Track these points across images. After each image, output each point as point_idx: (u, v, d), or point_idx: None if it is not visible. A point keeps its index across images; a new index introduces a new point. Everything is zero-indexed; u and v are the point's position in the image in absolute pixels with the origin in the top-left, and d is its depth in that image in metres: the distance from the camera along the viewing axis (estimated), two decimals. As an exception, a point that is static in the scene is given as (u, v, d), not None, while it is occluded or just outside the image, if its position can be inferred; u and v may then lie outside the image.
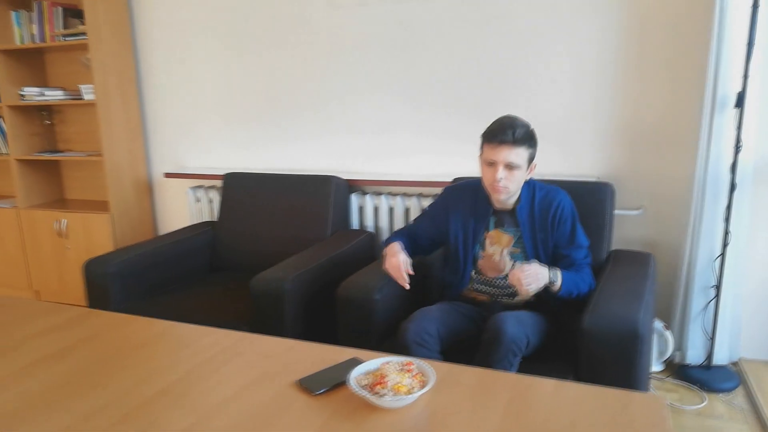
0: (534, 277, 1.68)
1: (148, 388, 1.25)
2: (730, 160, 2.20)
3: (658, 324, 2.40)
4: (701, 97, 2.26)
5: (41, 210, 3.28)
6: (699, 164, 2.27)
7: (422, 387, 1.14)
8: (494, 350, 1.60)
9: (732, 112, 2.19)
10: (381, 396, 1.10)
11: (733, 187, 2.19)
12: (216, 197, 3.11)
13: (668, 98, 2.40)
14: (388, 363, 1.20)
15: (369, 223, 2.88)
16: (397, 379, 1.13)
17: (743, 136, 2.18)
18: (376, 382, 1.14)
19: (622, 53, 2.42)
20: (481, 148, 1.81)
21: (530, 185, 1.88)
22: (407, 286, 1.83)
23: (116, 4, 3.13)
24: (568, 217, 1.87)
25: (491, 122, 1.80)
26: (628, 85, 2.44)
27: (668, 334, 2.38)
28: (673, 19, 2.33)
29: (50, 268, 3.33)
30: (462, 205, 1.92)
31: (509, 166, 1.73)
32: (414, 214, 2.78)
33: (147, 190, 3.41)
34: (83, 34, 3.04)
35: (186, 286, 2.55)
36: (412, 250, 1.95)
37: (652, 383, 2.35)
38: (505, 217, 1.88)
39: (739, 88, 2.14)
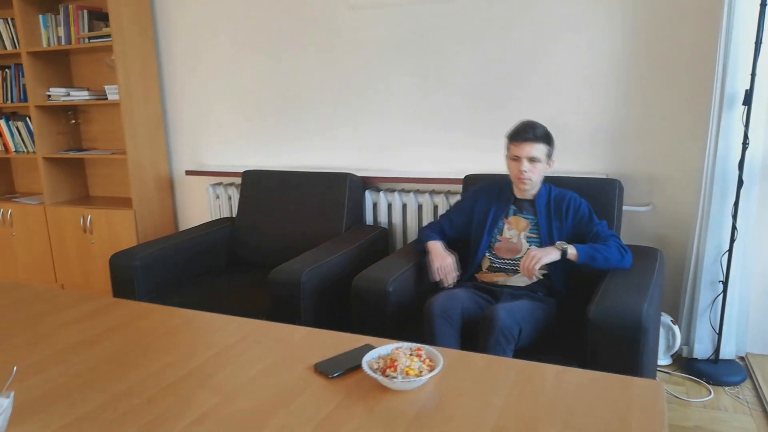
0: (531, 258, 1.91)
1: (174, 371, 1.33)
2: (738, 157, 2.23)
3: (666, 318, 2.44)
4: (709, 94, 2.29)
5: (67, 206, 3.41)
6: (707, 161, 2.31)
7: (431, 371, 1.21)
8: (488, 337, 1.74)
9: (740, 110, 2.22)
10: (392, 378, 1.18)
11: (740, 183, 2.22)
12: (235, 194, 3.20)
13: (677, 95, 2.44)
14: (399, 348, 1.27)
15: (383, 219, 2.95)
16: (407, 362, 1.20)
17: (751, 134, 2.22)
18: (388, 365, 1.21)
19: (632, 52, 2.46)
20: (507, 147, 2.11)
21: (547, 186, 2.14)
22: (451, 285, 2.08)
23: (140, 6, 3.24)
24: (582, 204, 2.09)
25: (514, 125, 2.10)
26: (638, 82, 2.48)
27: (676, 329, 2.42)
28: (681, 16, 2.37)
29: (75, 263, 3.46)
30: (487, 196, 2.19)
31: (532, 160, 2.03)
32: (426, 211, 2.85)
33: (168, 187, 3.52)
34: (107, 36, 3.15)
35: (206, 280, 2.65)
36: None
37: (660, 376, 2.39)
38: (524, 205, 2.13)
39: (747, 86, 2.17)
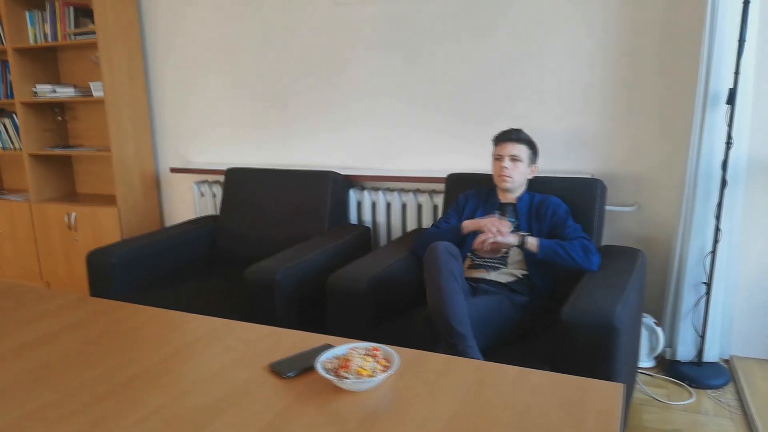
0: (489, 233, 1.95)
1: (129, 369, 1.31)
2: (722, 157, 2.19)
3: (649, 320, 2.40)
4: (694, 93, 2.26)
5: (52, 203, 3.39)
6: (690, 161, 2.27)
7: (385, 371, 1.18)
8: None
9: (724, 109, 2.19)
10: (344, 379, 1.15)
11: (724, 184, 2.19)
12: (220, 192, 3.18)
13: (662, 95, 2.40)
14: (355, 348, 1.24)
15: (367, 218, 2.92)
16: (360, 363, 1.18)
17: (735, 133, 2.18)
18: (341, 365, 1.18)
19: (616, 51, 2.43)
20: (493, 150, 2.19)
21: (531, 193, 2.19)
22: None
23: (126, 3, 3.22)
24: (561, 208, 2.12)
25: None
26: (623, 82, 2.45)
27: (659, 330, 2.38)
28: (665, 16, 2.34)
29: (60, 260, 3.44)
30: (475, 199, 2.26)
31: (513, 159, 2.11)
32: (410, 210, 2.82)
33: (154, 184, 3.50)
34: (93, 32, 3.13)
35: (187, 278, 2.63)
36: None
37: (643, 379, 2.36)
38: (508, 208, 2.18)
39: (730, 85, 2.14)
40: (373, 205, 2.93)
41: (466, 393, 1.17)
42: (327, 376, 1.16)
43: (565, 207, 2.13)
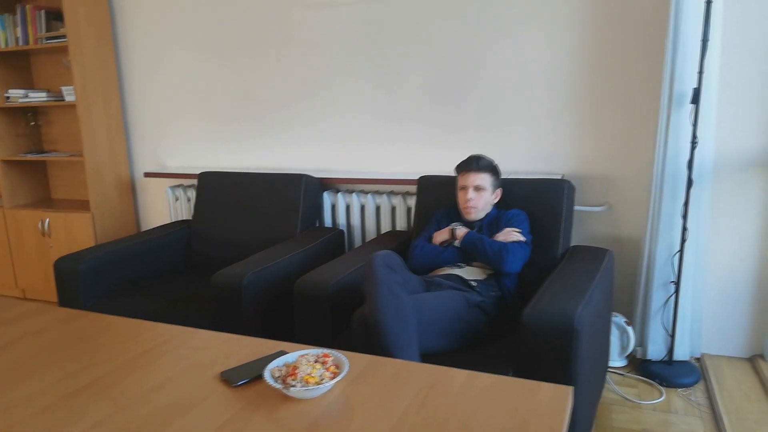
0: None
1: (78, 379, 1.29)
2: (687, 157, 2.20)
3: (620, 319, 2.41)
4: (659, 93, 2.27)
5: (26, 210, 3.36)
6: (657, 161, 2.28)
7: (334, 378, 1.18)
8: None
9: (689, 108, 2.20)
10: (290, 387, 1.14)
11: (689, 183, 2.20)
12: (194, 196, 3.16)
13: (629, 96, 2.41)
14: (305, 355, 1.24)
15: (342, 221, 2.92)
16: (308, 370, 1.17)
17: (701, 132, 2.19)
18: (289, 373, 1.17)
19: (584, 52, 2.44)
20: (456, 179, 2.23)
21: (497, 209, 2.24)
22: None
23: (97, 6, 3.20)
24: (519, 216, 2.16)
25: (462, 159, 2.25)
26: (591, 82, 2.46)
27: (630, 330, 2.39)
28: (630, 17, 2.34)
29: (35, 267, 3.41)
30: (448, 217, 2.31)
31: (477, 188, 2.15)
32: (384, 212, 2.82)
33: (129, 189, 3.48)
34: (64, 36, 3.10)
35: (159, 283, 2.61)
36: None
37: (614, 378, 2.37)
38: (475, 224, 2.22)
39: (694, 85, 2.15)
40: (348, 208, 2.92)
41: (414, 398, 1.16)
42: (274, 384, 1.16)
43: (523, 216, 2.17)
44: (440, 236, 2.18)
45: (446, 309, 1.82)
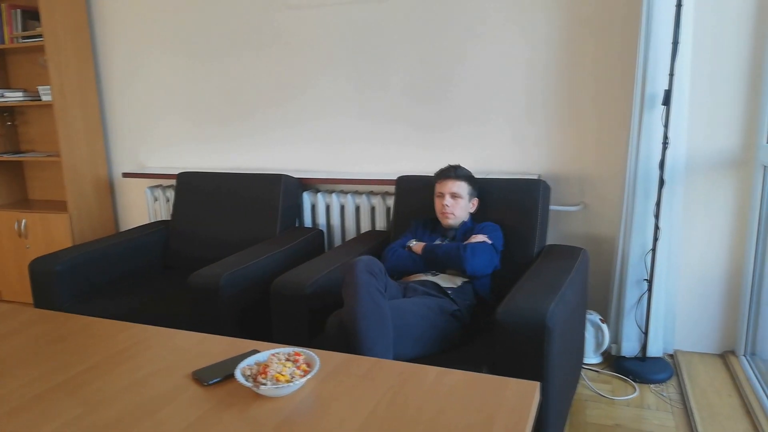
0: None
1: (48, 380, 1.29)
2: (660, 157, 2.24)
3: (595, 317, 2.45)
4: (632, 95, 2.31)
5: (1, 210, 3.32)
6: (630, 161, 2.32)
7: (305, 376, 1.19)
8: None
9: (660, 110, 2.24)
10: (261, 385, 1.15)
11: (661, 183, 2.24)
12: (173, 196, 3.15)
13: (603, 98, 2.45)
14: (276, 354, 1.24)
15: (321, 221, 2.92)
16: (278, 368, 1.18)
17: (672, 133, 2.23)
18: (260, 372, 1.18)
19: (560, 54, 2.47)
20: (434, 187, 2.29)
21: (472, 221, 2.28)
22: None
23: (74, 6, 3.17)
24: (490, 225, 2.21)
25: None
26: (567, 83, 2.49)
27: (605, 327, 2.43)
28: (603, 20, 2.38)
29: (11, 268, 3.37)
30: (423, 226, 2.35)
31: (453, 195, 2.21)
32: (364, 212, 2.83)
33: (108, 189, 3.45)
34: (41, 35, 3.07)
35: (137, 284, 2.60)
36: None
37: (589, 375, 2.40)
38: (450, 234, 2.27)
39: (666, 86, 2.19)
40: (327, 208, 2.93)
41: (385, 395, 1.18)
42: (245, 383, 1.16)
43: (495, 227, 2.20)
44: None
45: (421, 315, 1.84)
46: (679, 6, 2.10)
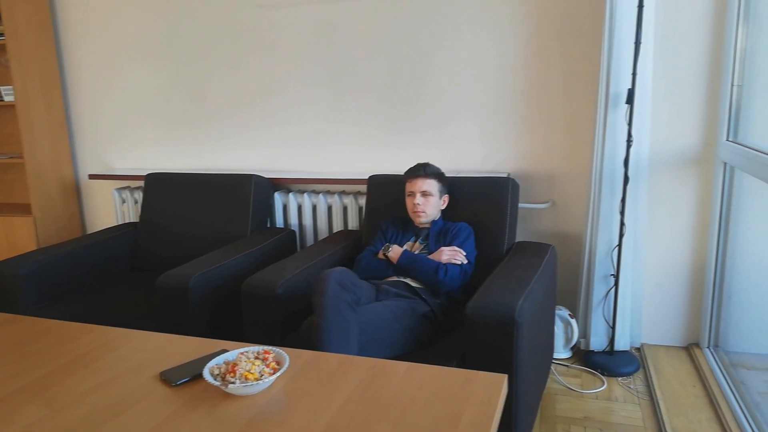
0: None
1: (10, 384, 1.26)
2: (624, 154, 2.30)
3: (564, 312, 2.49)
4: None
5: (-38, 214, 3.22)
6: (595, 159, 2.37)
7: (274, 374, 1.18)
8: None
9: (624, 108, 2.29)
10: (229, 384, 1.14)
11: (626, 180, 2.29)
12: (142, 198, 3.10)
13: (569, 97, 2.50)
14: (245, 352, 1.24)
15: (294, 221, 2.91)
16: (247, 366, 1.17)
17: (636, 131, 2.29)
18: (228, 371, 1.17)
19: (526, 57, 2.51)
20: (404, 186, 2.30)
21: (443, 220, 2.29)
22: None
23: (37, 5, 3.10)
24: (465, 230, 2.21)
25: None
26: (534, 86, 2.53)
27: (573, 322, 2.47)
28: (568, 22, 2.43)
29: (-27, 273, 3.27)
30: (394, 227, 2.35)
31: (424, 194, 2.22)
32: (336, 211, 2.83)
33: (74, 192, 3.38)
34: (2, 34, 3.00)
35: (104, 287, 2.55)
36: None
37: (559, 370, 2.44)
38: (422, 233, 2.29)
39: (629, 85, 2.24)
40: (299, 208, 2.92)
41: (355, 389, 1.18)
42: (213, 381, 1.15)
43: (469, 230, 2.21)
44: (379, 255, 2.21)
45: (394, 319, 1.86)
46: (640, 7, 2.15)
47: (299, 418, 1.09)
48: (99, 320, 2.17)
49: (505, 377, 1.21)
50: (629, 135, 2.26)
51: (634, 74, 2.21)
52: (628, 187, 2.30)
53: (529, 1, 2.46)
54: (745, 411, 1.99)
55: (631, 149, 2.27)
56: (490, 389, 1.16)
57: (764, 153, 1.86)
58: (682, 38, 2.31)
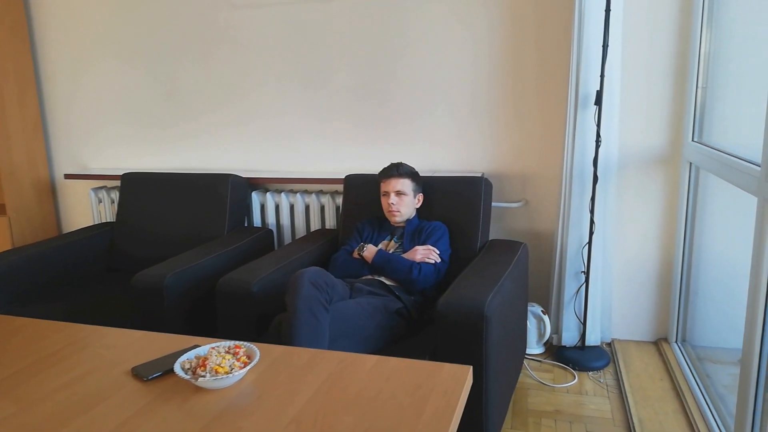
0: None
1: (-19, 381, 1.26)
2: (593, 154, 2.35)
3: (536, 309, 2.54)
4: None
5: (-66, 214, 3.18)
6: (566, 159, 2.42)
7: (245, 367, 1.20)
8: None
9: (593, 109, 2.35)
10: (200, 377, 1.16)
11: (595, 180, 2.35)
12: (118, 198, 3.09)
13: (541, 98, 2.55)
14: (216, 347, 1.26)
15: (271, 221, 2.93)
16: (218, 360, 1.19)
17: (604, 132, 2.35)
18: (199, 365, 1.19)
19: (499, 59, 2.56)
20: (379, 186, 2.32)
21: (418, 218, 2.34)
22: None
23: (10, 5, 3.07)
24: (439, 230, 2.25)
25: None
26: (507, 87, 2.58)
27: (546, 318, 2.52)
28: (540, 25, 2.48)
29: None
30: (370, 227, 2.39)
31: (398, 193, 2.26)
32: (314, 211, 2.85)
33: (49, 192, 3.36)
34: (-26, 33, 2.97)
35: (79, 287, 2.54)
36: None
37: (531, 365, 2.49)
38: (397, 232, 2.33)
39: (597, 87, 2.30)
40: (277, 207, 2.93)
41: (324, 382, 1.21)
42: (183, 375, 1.17)
43: (443, 229, 2.26)
44: (354, 254, 2.24)
45: (367, 316, 1.89)
46: (607, 11, 2.21)
47: (267, 411, 1.11)
48: (74, 320, 2.16)
49: (469, 368, 1.24)
50: (598, 135, 2.32)
51: (602, 76, 2.27)
52: (598, 186, 2.36)
53: (502, 3, 2.51)
54: (710, 403, 2.05)
55: (600, 149, 2.33)
56: (455, 380, 1.19)
57: (726, 153, 1.92)
58: (649, 41, 2.38)
